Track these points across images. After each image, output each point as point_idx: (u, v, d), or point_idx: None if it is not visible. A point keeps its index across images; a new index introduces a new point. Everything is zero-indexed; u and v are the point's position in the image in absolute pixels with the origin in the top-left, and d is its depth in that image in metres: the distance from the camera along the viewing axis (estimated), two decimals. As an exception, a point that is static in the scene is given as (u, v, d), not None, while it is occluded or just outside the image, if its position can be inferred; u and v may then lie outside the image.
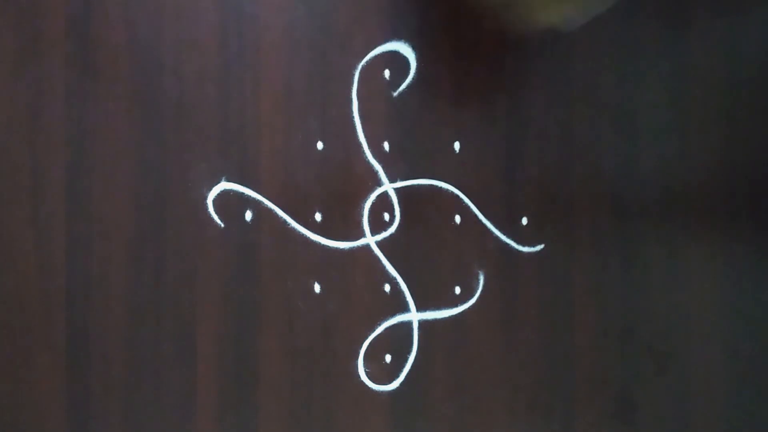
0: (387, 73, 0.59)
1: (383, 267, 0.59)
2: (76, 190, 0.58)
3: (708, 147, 0.61)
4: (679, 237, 0.61)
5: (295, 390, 0.59)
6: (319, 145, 0.59)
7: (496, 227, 0.60)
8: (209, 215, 0.58)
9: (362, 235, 0.59)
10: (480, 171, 0.60)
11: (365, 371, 0.59)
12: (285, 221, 0.59)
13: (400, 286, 0.59)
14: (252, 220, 0.59)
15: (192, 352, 0.58)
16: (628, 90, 0.60)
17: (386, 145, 0.59)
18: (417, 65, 0.59)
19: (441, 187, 0.60)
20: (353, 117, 0.59)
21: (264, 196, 0.59)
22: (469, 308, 0.60)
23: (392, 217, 0.59)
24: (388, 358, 0.59)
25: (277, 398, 0.59)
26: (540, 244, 0.60)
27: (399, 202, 0.59)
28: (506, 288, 0.60)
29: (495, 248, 0.60)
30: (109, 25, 0.58)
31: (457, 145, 0.60)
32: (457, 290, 0.60)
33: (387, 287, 0.59)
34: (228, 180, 0.58)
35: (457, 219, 0.60)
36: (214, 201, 0.58)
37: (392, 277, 0.59)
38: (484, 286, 0.60)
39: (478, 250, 0.60)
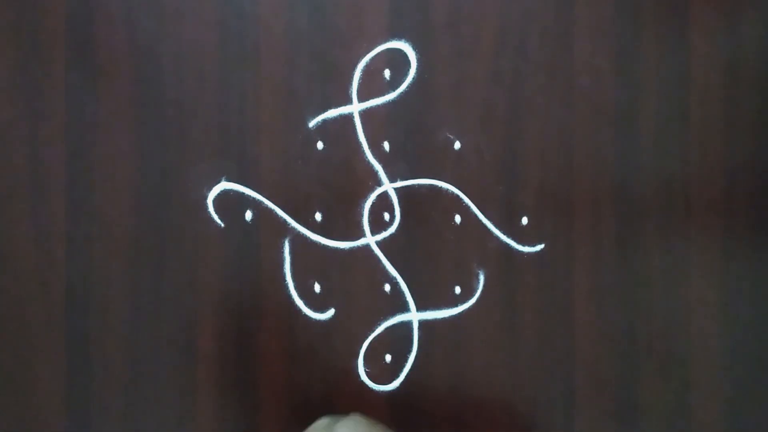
0: (387, 72, 0.59)
1: (383, 267, 0.59)
2: (76, 190, 0.58)
3: (708, 147, 0.61)
4: (679, 237, 0.61)
5: (295, 390, 0.59)
6: (319, 145, 0.59)
7: (496, 227, 0.60)
8: (209, 215, 0.58)
9: (362, 235, 0.59)
10: (480, 171, 0.60)
11: (365, 371, 0.59)
12: (285, 221, 0.59)
13: (400, 286, 0.59)
14: (252, 220, 0.59)
15: (192, 352, 0.58)
16: (628, 90, 0.60)
17: (386, 145, 0.59)
18: (417, 65, 0.59)
19: (441, 187, 0.60)
20: (353, 117, 0.59)
21: (264, 196, 0.59)
22: (469, 308, 0.60)
23: (392, 216, 0.59)
24: (388, 358, 0.59)
25: (277, 398, 0.59)
26: (540, 244, 0.60)
27: (399, 202, 0.59)
28: (506, 288, 0.60)
29: (495, 248, 0.60)
30: (109, 25, 0.58)
31: (457, 145, 0.60)
32: (457, 290, 0.60)
33: (387, 287, 0.59)
34: (228, 180, 0.58)
35: (457, 219, 0.60)
36: (214, 201, 0.58)
37: (392, 277, 0.59)
38: (484, 286, 0.60)
39: (478, 250, 0.60)
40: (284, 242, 0.59)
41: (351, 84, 0.59)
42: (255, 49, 0.58)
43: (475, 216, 0.60)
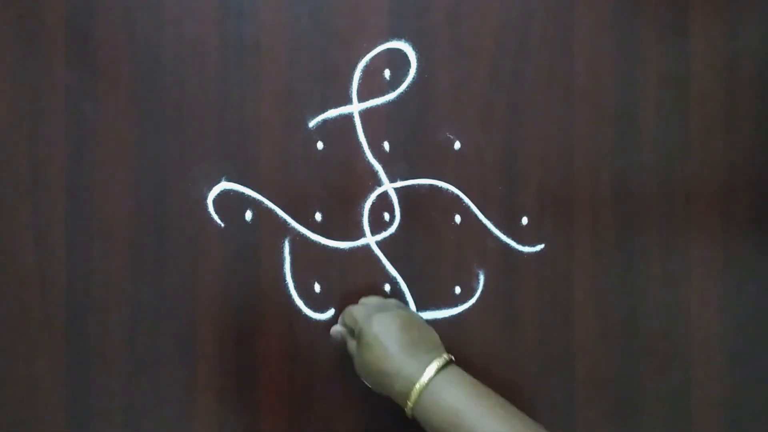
0: (387, 72, 0.59)
1: (383, 267, 0.59)
2: (76, 190, 0.58)
3: (708, 147, 0.61)
4: (679, 237, 0.61)
5: (295, 390, 0.59)
6: (319, 145, 0.59)
7: (496, 227, 0.60)
8: (209, 215, 0.58)
9: (362, 235, 0.59)
10: (480, 171, 0.60)
11: (365, 371, 0.59)
12: (285, 221, 0.59)
13: (400, 286, 0.59)
14: (252, 220, 0.59)
15: (192, 352, 0.58)
16: (628, 90, 0.60)
17: (386, 145, 0.59)
18: (417, 65, 0.59)
19: (441, 187, 0.60)
20: (353, 117, 0.59)
21: (264, 196, 0.59)
22: (469, 308, 0.60)
23: (392, 217, 0.59)
24: (388, 358, 0.59)
25: (277, 398, 0.59)
26: (540, 244, 0.60)
27: (399, 202, 0.59)
28: (506, 288, 0.60)
29: (495, 248, 0.60)
30: (109, 25, 0.58)
31: (457, 145, 0.60)
32: (457, 290, 0.60)
33: (387, 287, 0.59)
34: (228, 180, 0.58)
35: (457, 219, 0.60)
36: (214, 201, 0.58)
37: (392, 277, 0.59)
38: (484, 286, 0.60)
39: (478, 250, 0.60)
40: (284, 242, 0.59)
41: (351, 84, 0.59)
42: (255, 49, 0.58)
43: (475, 216, 0.60)
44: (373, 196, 0.59)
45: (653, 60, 0.60)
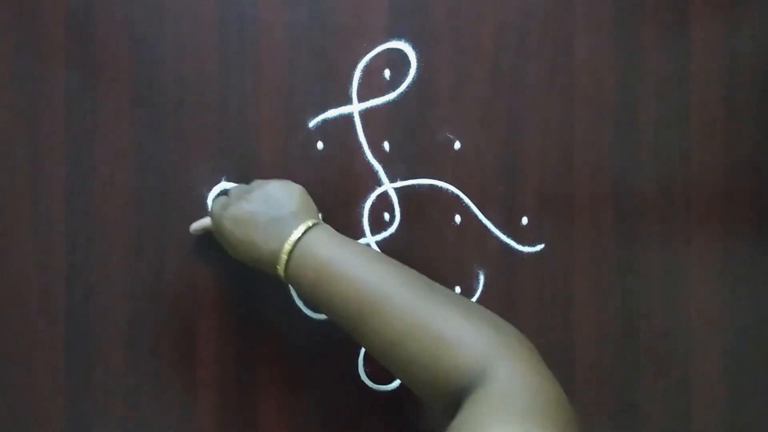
0: (387, 72, 0.59)
1: (383, 267, 0.59)
2: (76, 190, 0.58)
3: (708, 147, 0.61)
4: (679, 237, 0.61)
5: (295, 390, 0.59)
6: (319, 145, 0.59)
7: (496, 227, 0.60)
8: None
9: (362, 234, 0.59)
10: (480, 171, 0.60)
11: (365, 371, 0.59)
12: (285, 221, 0.59)
13: (400, 286, 0.59)
14: (252, 220, 0.58)
15: (192, 352, 0.58)
16: (628, 90, 0.60)
17: (386, 145, 0.59)
18: (417, 65, 0.59)
19: (441, 187, 0.60)
20: (353, 117, 0.59)
21: (264, 196, 0.58)
22: (469, 308, 0.59)
23: (392, 216, 0.59)
24: (388, 358, 0.59)
25: (277, 398, 0.59)
26: (540, 244, 0.60)
27: (399, 202, 0.59)
28: (506, 288, 0.60)
29: (495, 248, 0.60)
30: (109, 25, 0.58)
31: (457, 145, 0.60)
32: (457, 290, 0.60)
33: (387, 287, 0.59)
34: (228, 180, 0.58)
35: (457, 219, 0.60)
36: (214, 201, 0.58)
37: (392, 277, 0.59)
38: (484, 286, 0.60)
39: (478, 250, 0.60)
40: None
41: (351, 84, 0.59)
42: (255, 49, 0.58)
43: (475, 216, 0.60)
44: (373, 196, 0.59)
45: (653, 60, 0.60)
